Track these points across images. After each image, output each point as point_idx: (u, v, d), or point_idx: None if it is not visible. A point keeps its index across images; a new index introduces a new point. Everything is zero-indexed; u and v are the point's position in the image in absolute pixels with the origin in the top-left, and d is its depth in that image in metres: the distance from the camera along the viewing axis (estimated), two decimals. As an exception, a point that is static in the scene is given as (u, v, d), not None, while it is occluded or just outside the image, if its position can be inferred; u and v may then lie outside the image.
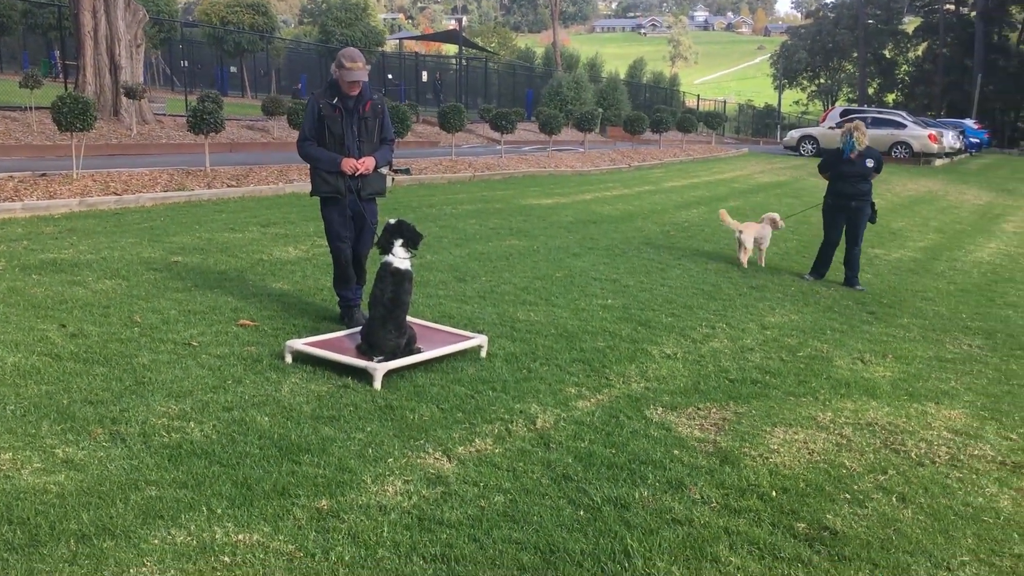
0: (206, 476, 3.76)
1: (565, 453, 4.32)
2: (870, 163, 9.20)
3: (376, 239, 5.70)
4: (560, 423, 4.73)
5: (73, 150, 12.24)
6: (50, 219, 9.83)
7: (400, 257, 5.48)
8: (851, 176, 9.22)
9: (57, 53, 32.33)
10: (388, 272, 5.42)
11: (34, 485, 3.57)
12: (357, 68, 5.85)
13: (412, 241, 5.57)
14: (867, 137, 9.24)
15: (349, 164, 5.96)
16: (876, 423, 5.11)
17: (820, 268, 9.60)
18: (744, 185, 20.52)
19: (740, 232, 9.91)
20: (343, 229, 6.19)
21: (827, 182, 9.58)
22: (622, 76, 48.69)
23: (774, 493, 4.04)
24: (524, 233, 10.99)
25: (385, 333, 5.29)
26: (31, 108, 18.23)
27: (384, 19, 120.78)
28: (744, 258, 9.89)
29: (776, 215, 10.37)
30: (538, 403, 5.00)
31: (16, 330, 5.58)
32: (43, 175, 12.00)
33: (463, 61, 42.42)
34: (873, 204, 9.34)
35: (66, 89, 17.67)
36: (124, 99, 18.80)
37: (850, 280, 9.33)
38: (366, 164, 6.03)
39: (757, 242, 9.99)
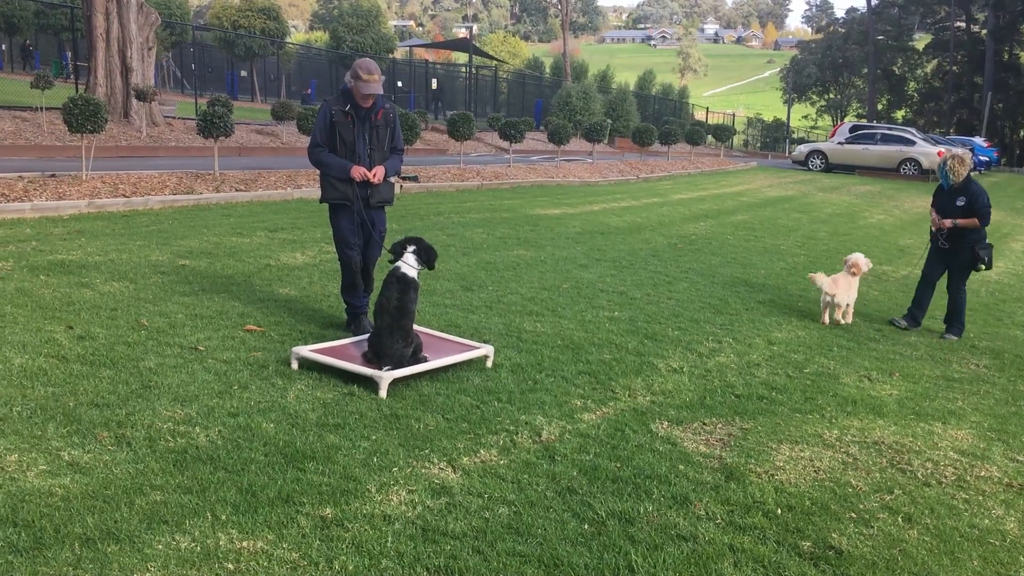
0: (211, 482, 3.75)
1: (570, 466, 4.31)
2: (961, 202, 8.02)
3: (390, 247, 5.73)
4: (565, 435, 4.71)
5: (83, 151, 12.28)
6: (59, 220, 9.86)
7: (409, 265, 5.50)
8: (944, 213, 8.13)
9: (69, 54, 32.50)
10: (395, 278, 5.45)
11: (39, 487, 3.57)
12: (373, 81, 5.83)
13: (426, 255, 5.62)
14: (967, 169, 8.07)
15: (359, 171, 5.95)
16: (882, 442, 5.09)
17: (914, 311, 8.39)
18: (752, 199, 20.52)
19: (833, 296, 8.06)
20: (352, 236, 6.18)
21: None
22: (631, 87, 48.75)
23: (779, 511, 4.02)
24: (531, 243, 10.99)
25: (392, 341, 5.29)
26: (42, 109, 18.30)
27: (395, 26, 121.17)
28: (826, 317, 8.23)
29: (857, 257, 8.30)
30: (543, 415, 4.99)
31: (23, 331, 5.60)
32: (52, 176, 12.04)
33: (473, 69, 42.51)
34: (979, 249, 8.02)
35: (77, 90, 17.77)
36: (135, 101, 18.86)
37: (947, 329, 8.23)
38: (377, 175, 6.02)
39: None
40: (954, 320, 8.27)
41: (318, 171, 6.22)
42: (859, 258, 8.25)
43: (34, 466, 3.76)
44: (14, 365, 4.97)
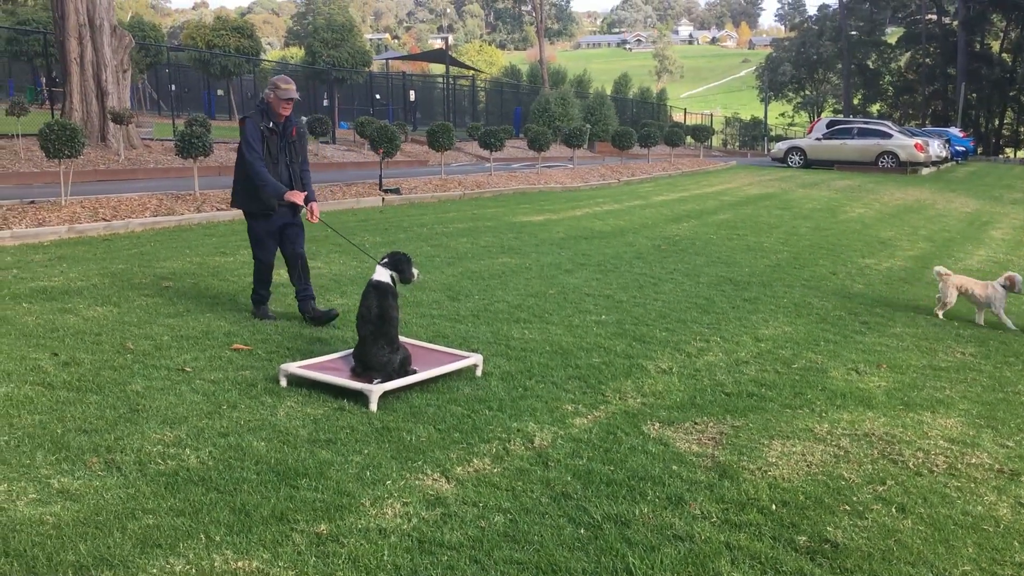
0: (203, 503, 3.73)
1: (564, 471, 4.30)
2: None
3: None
4: (558, 441, 4.71)
5: (61, 177, 12.21)
6: (39, 247, 9.79)
7: (381, 276, 5.58)
8: None
9: (43, 80, 32.32)
10: (371, 287, 5.52)
11: (30, 516, 3.54)
12: (291, 88, 6.52)
13: (395, 267, 5.65)
14: None
15: (296, 197, 6.56)
16: (873, 434, 5.11)
17: None
18: (733, 198, 20.60)
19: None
20: (270, 240, 6.85)
21: None
22: (609, 92, 48.91)
23: (774, 507, 4.03)
24: (516, 250, 10.99)
25: (377, 349, 5.29)
26: (18, 136, 18.20)
27: (370, 40, 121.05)
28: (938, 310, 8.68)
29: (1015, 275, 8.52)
30: (535, 421, 4.99)
31: (8, 359, 5.55)
32: (31, 202, 11.96)
33: (450, 80, 42.55)
34: None
35: (53, 116, 17.67)
36: (111, 125, 18.78)
37: None
38: (315, 214, 6.69)
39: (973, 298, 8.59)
40: None
41: (240, 180, 6.73)
42: (1015, 276, 8.50)
43: (24, 495, 3.73)
44: (0, 394, 4.92)
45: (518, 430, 4.83)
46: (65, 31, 18.14)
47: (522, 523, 3.73)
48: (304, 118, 24.12)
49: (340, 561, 3.34)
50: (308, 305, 6.99)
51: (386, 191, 16.21)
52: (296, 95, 6.56)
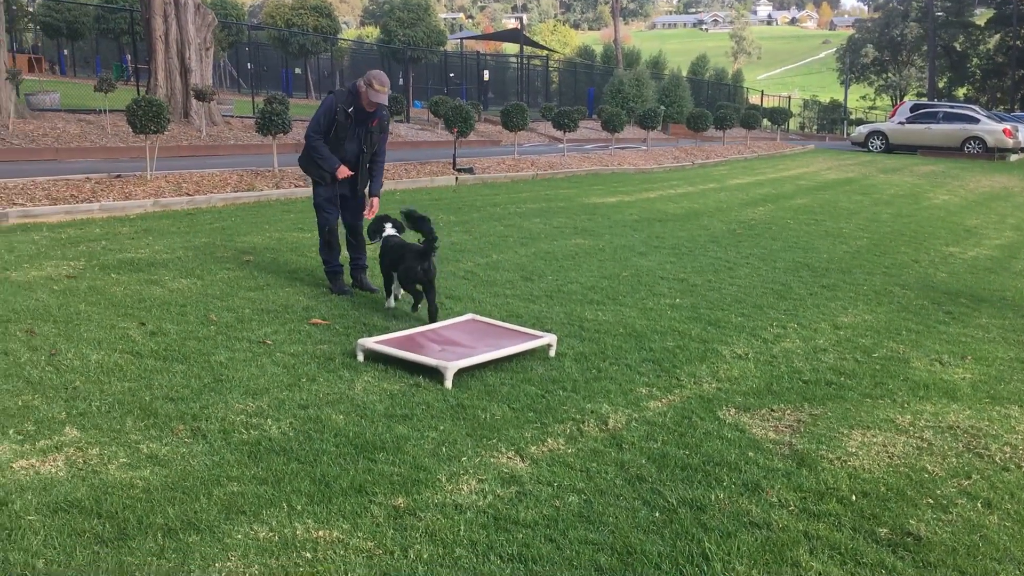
0: (285, 473, 3.82)
1: (638, 454, 4.29)
2: None
3: (366, 229, 6.85)
4: (632, 423, 4.70)
5: (147, 152, 12.55)
6: (126, 219, 10.09)
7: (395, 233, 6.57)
8: None
9: (129, 57, 33.20)
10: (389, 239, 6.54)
11: (121, 480, 3.67)
12: (384, 92, 6.56)
13: (398, 225, 6.62)
14: None
15: (343, 172, 6.77)
16: (957, 426, 4.98)
17: None
18: (811, 182, 20.18)
19: None
20: (330, 203, 6.97)
21: None
22: (684, 73, 48.25)
23: (854, 497, 3.96)
24: (589, 232, 10.95)
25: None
26: (105, 111, 18.74)
27: (444, 19, 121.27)
28: None
29: None
30: (609, 403, 4.98)
31: (98, 328, 5.75)
32: (118, 176, 12.33)
33: (524, 60, 42.44)
34: None
35: (138, 92, 18.14)
36: (194, 102, 19.22)
37: None
38: (373, 210, 6.97)
39: None
40: None
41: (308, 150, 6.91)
42: None
43: (115, 459, 3.87)
44: (91, 361, 5.11)
45: (592, 411, 4.83)
46: (151, 9, 18.60)
47: (596, 504, 3.73)
48: None
49: (417, 535, 3.39)
50: (359, 275, 7.31)
51: (459, 170, 16.28)
52: (386, 101, 6.62)
